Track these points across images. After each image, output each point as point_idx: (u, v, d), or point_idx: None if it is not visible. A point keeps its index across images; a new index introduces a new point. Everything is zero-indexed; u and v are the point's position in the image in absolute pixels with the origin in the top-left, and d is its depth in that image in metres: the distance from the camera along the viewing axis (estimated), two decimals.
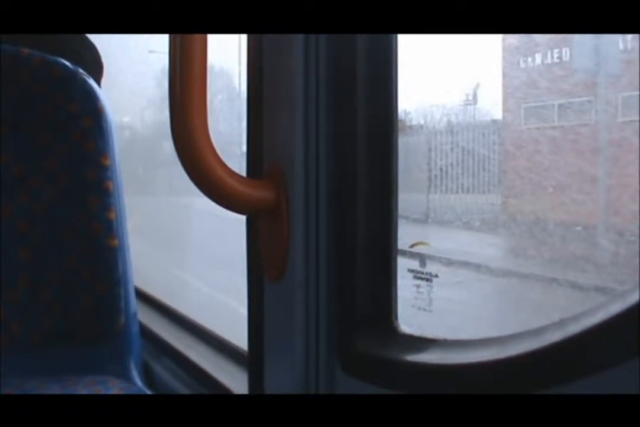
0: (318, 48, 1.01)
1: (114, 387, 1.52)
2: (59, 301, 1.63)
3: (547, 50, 1.24)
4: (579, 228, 1.16)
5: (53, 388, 1.50)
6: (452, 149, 1.56)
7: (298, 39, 1.01)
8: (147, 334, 1.86)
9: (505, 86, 1.38)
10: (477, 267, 1.48)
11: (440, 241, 1.49)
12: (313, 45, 1.01)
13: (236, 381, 1.48)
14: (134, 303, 1.72)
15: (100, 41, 1.80)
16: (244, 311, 1.19)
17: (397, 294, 1.01)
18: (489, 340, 0.85)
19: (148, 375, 1.76)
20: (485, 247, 1.50)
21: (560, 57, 1.23)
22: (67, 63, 1.64)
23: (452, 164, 1.54)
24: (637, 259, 1.03)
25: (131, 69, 2.99)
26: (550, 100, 1.29)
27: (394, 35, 0.99)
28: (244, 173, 1.13)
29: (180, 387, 1.68)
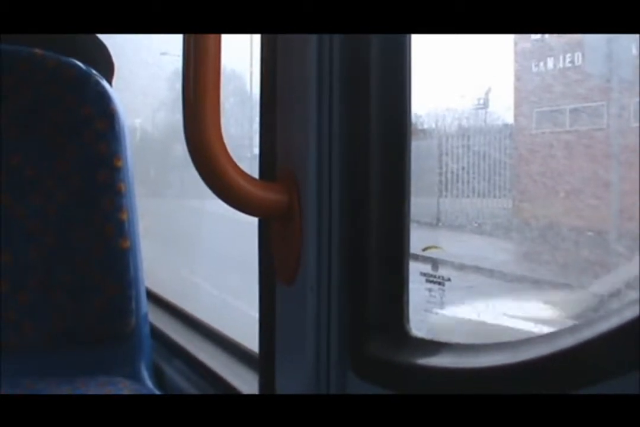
0: (332, 49, 1.01)
1: (124, 388, 1.52)
2: (70, 301, 1.63)
3: (560, 54, 1.24)
4: (592, 233, 1.15)
5: (64, 389, 1.50)
6: (464, 153, 1.55)
7: (312, 39, 1.01)
8: (157, 336, 1.86)
9: (517, 90, 1.38)
10: (490, 272, 1.48)
11: (452, 245, 1.48)
12: (327, 46, 1.01)
13: (247, 383, 1.48)
14: (145, 304, 1.73)
15: (113, 43, 1.81)
16: (254, 313, 1.19)
17: (409, 297, 1.01)
18: (501, 344, 0.85)
19: (159, 376, 1.76)
20: (497, 252, 1.49)
21: (572, 62, 1.22)
22: (81, 64, 1.65)
23: (464, 168, 1.54)
24: None
25: (143, 71, 3.00)
26: (563, 105, 1.28)
27: (407, 37, 0.99)
28: (255, 176, 1.13)
29: (190, 388, 1.68)
